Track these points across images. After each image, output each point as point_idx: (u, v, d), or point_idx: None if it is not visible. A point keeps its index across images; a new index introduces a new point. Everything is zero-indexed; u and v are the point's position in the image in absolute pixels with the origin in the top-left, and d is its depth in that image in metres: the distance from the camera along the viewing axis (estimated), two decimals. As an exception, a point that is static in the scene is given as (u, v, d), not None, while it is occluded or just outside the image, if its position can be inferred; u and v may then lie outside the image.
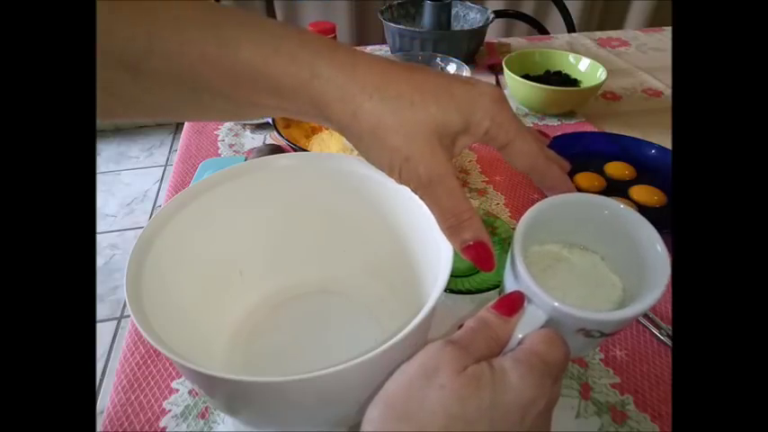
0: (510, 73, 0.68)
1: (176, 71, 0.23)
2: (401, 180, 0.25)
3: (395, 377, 0.22)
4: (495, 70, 0.83)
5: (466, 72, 0.72)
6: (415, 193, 0.26)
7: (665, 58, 0.89)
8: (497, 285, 0.40)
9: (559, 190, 0.29)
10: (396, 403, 0.21)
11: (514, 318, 0.24)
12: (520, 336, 0.24)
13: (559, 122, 0.69)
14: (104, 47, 0.22)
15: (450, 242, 0.26)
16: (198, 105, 0.26)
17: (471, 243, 0.25)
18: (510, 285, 0.27)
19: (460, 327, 0.25)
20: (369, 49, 0.96)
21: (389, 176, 0.26)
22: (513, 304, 0.25)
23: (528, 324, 0.24)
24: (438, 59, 0.76)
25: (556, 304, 0.24)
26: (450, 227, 0.26)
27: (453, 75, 0.25)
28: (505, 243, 0.45)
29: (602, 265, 0.30)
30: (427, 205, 0.26)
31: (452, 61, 0.75)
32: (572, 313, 0.24)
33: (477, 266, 0.26)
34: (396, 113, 0.24)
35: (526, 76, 0.70)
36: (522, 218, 0.27)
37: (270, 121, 0.62)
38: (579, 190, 0.51)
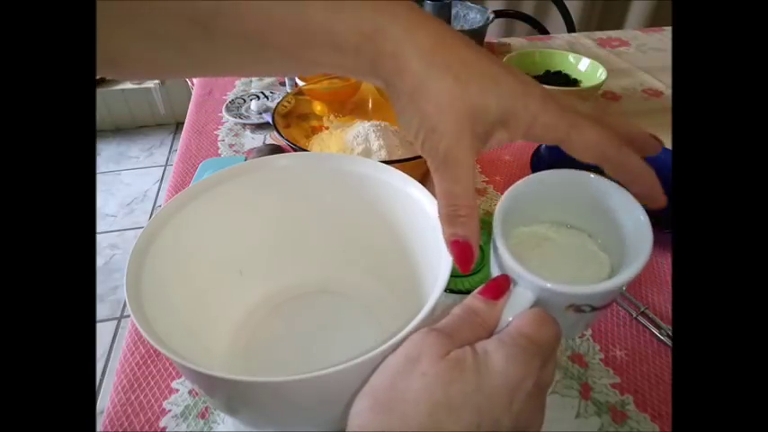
0: (510, 73, 0.68)
1: (244, 30, 0.23)
2: (422, 150, 0.25)
3: (379, 370, 0.22)
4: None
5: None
6: (431, 170, 0.25)
7: (665, 58, 0.89)
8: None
9: (640, 184, 0.25)
10: (379, 394, 0.21)
11: (501, 301, 0.24)
12: (509, 319, 0.24)
13: (559, 122, 0.69)
14: (174, 7, 0.23)
15: (442, 230, 0.26)
16: (262, 62, 0.26)
17: (459, 239, 0.25)
18: (494, 269, 0.27)
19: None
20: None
21: (414, 143, 0.25)
22: (498, 287, 0.24)
23: (516, 306, 0.24)
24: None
25: (540, 282, 0.23)
26: (447, 215, 0.25)
27: (508, 66, 0.25)
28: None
29: (590, 243, 0.29)
30: (436, 185, 0.25)
31: (452, 61, 0.75)
32: (557, 289, 0.23)
33: (456, 263, 0.26)
34: (438, 82, 0.23)
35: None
36: (500, 200, 0.27)
37: (270, 121, 0.62)
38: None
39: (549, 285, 0.23)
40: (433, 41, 0.23)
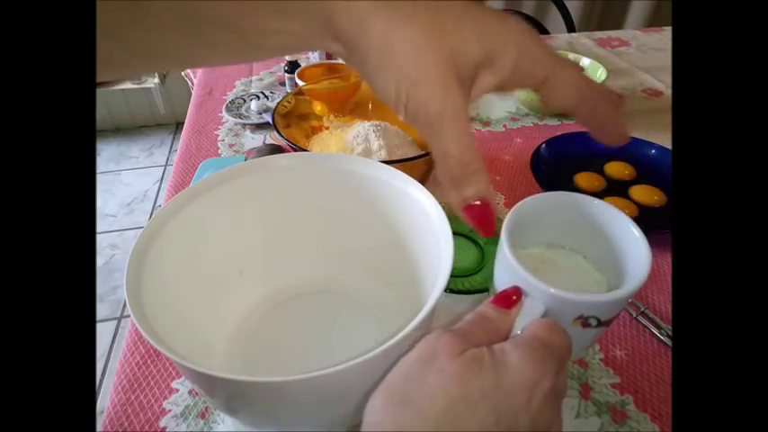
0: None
1: (174, 6, 0.21)
2: (407, 114, 0.22)
3: (394, 369, 0.22)
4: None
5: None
6: (422, 134, 0.23)
7: (665, 58, 0.89)
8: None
9: (609, 129, 0.25)
10: (395, 390, 0.21)
11: (513, 310, 0.24)
12: (518, 329, 0.24)
13: (559, 122, 0.69)
14: None
15: (451, 198, 0.23)
16: (202, 43, 0.23)
17: (474, 202, 0.23)
18: (501, 283, 0.27)
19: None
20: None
21: (396, 110, 0.22)
22: (510, 298, 0.24)
23: (527, 316, 0.24)
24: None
25: (553, 291, 0.24)
26: (453, 178, 0.23)
27: (483, 4, 0.23)
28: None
29: (585, 264, 0.30)
30: (432, 149, 0.23)
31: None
32: (570, 298, 0.24)
33: (478, 229, 0.24)
34: (406, 31, 0.20)
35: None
36: (507, 216, 0.27)
37: (270, 121, 0.62)
38: (578, 190, 0.52)
39: (562, 294, 0.24)
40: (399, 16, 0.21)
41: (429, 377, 0.20)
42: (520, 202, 0.28)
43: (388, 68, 0.21)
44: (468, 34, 0.21)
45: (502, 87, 0.24)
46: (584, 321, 0.25)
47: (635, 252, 0.26)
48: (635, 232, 0.27)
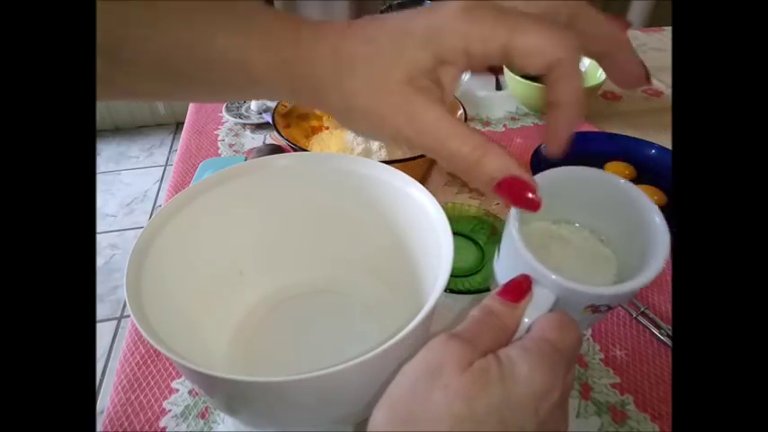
0: (510, 73, 0.68)
1: (152, 58, 0.23)
2: (395, 143, 0.23)
3: (398, 379, 0.21)
4: (495, 70, 0.82)
5: (466, 72, 0.72)
6: (417, 152, 0.23)
7: (665, 58, 0.89)
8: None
9: (620, 67, 0.23)
10: (400, 406, 0.20)
11: (522, 303, 0.23)
12: (528, 320, 0.23)
13: (559, 122, 0.69)
14: None
15: (479, 186, 0.23)
16: (176, 89, 0.25)
17: (501, 179, 0.22)
18: (503, 273, 0.26)
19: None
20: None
21: (381, 141, 0.24)
22: (519, 288, 0.23)
23: (537, 308, 0.23)
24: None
25: (567, 284, 0.22)
26: (468, 166, 0.22)
27: (414, 11, 0.22)
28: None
29: (593, 239, 0.29)
30: (437, 160, 0.23)
31: (452, 61, 0.75)
32: (586, 291, 0.22)
33: (518, 206, 0.23)
34: (354, 75, 0.22)
35: (526, 76, 0.70)
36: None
37: (270, 120, 0.62)
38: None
39: (577, 287, 0.22)
40: (333, 45, 0.22)
41: (434, 393, 0.19)
42: (538, 175, 0.26)
43: (356, 117, 0.23)
44: (408, 46, 0.21)
45: (474, 68, 0.23)
46: (594, 309, 0.24)
47: (652, 234, 0.25)
48: (655, 217, 0.25)
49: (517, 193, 0.22)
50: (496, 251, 0.28)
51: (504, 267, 0.27)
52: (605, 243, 0.29)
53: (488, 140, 0.22)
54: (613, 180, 0.27)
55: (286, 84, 0.23)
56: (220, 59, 0.23)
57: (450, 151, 0.22)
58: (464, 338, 0.21)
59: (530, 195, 0.23)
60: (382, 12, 0.86)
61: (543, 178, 0.28)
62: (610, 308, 0.25)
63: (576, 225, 0.30)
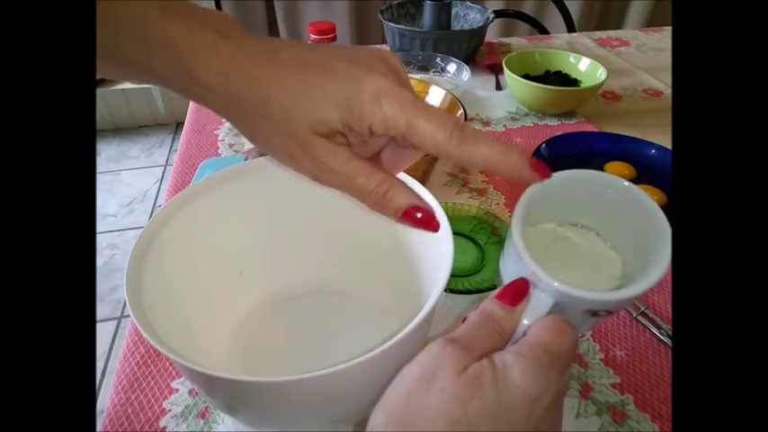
0: (510, 73, 0.68)
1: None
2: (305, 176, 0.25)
3: (396, 383, 0.22)
4: (495, 70, 0.83)
5: (466, 72, 0.72)
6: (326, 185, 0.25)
7: (665, 58, 0.89)
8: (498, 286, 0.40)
9: (503, 167, 0.24)
10: (397, 410, 0.21)
11: (519, 307, 0.23)
12: (525, 322, 0.23)
13: (559, 122, 0.69)
14: None
15: (387, 216, 0.25)
16: (105, 73, 0.26)
17: (403, 210, 0.24)
18: (509, 273, 0.27)
19: (464, 320, 0.24)
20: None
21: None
22: (517, 292, 0.24)
23: (534, 311, 0.23)
24: (438, 59, 0.77)
25: (565, 289, 0.23)
26: (374, 204, 0.25)
27: (339, 55, 0.24)
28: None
29: (599, 241, 0.29)
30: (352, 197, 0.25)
31: (452, 61, 0.75)
32: (584, 296, 0.23)
33: (425, 229, 0.25)
34: (268, 116, 0.23)
35: (526, 76, 0.70)
36: (520, 201, 0.26)
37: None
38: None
39: (574, 292, 0.23)
40: (253, 79, 0.23)
41: (430, 397, 0.20)
42: (533, 185, 0.26)
43: (271, 152, 0.25)
44: (323, 107, 0.23)
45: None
46: (593, 313, 0.24)
47: (655, 237, 0.25)
48: (659, 220, 0.25)
49: (419, 219, 0.25)
50: (502, 250, 0.28)
51: (508, 267, 0.27)
52: (611, 246, 0.29)
53: (391, 176, 0.25)
54: (619, 183, 0.27)
55: (195, 99, 0.25)
56: (136, 66, 0.24)
57: (357, 187, 0.24)
58: (461, 343, 0.22)
59: (430, 219, 0.25)
60: (382, 12, 0.86)
61: (551, 180, 0.27)
62: (610, 312, 0.25)
63: (582, 227, 0.30)
